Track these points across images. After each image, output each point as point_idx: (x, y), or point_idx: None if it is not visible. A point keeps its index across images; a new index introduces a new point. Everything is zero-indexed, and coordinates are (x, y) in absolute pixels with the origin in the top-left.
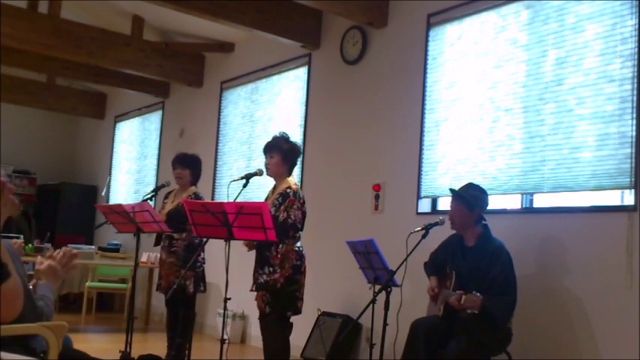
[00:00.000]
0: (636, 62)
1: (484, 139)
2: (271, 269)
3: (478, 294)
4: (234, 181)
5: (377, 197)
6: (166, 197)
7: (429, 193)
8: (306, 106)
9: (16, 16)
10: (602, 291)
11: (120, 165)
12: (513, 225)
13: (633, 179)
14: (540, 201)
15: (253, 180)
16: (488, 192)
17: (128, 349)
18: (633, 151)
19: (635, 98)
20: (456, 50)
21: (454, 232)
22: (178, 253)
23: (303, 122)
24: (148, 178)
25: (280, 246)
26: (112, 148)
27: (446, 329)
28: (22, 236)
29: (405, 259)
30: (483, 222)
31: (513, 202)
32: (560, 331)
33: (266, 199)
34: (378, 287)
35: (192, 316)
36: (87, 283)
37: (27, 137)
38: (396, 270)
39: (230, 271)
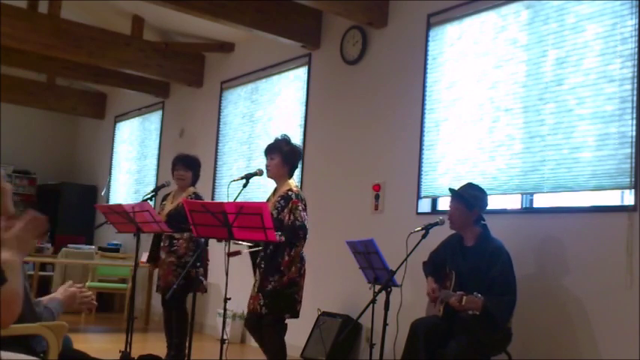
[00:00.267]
0: (636, 62)
1: (484, 139)
2: (278, 275)
3: (479, 295)
4: (234, 181)
5: (377, 197)
6: (164, 199)
7: (429, 193)
8: (306, 106)
9: (16, 16)
10: (602, 291)
11: (120, 165)
12: (513, 225)
13: (633, 179)
14: (540, 201)
15: (253, 180)
16: (488, 192)
17: (128, 349)
18: (633, 151)
19: (635, 98)
20: (456, 50)
21: (454, 232)
22: (178, 253)
23: (303, 122)
24: (147, 178)
25: (292, 249)
26: (112, 148)
27: (446, 329)
28: None
29: (405, 259)
30: (482, 222)
31: (513, 202)
32: (560, 331)
33: (267, 202)
34: (378, 287)
35: (183, 315)
36: (87, 283)
37: (27, 137)
38: (396, 270)
39: (230, 271)
